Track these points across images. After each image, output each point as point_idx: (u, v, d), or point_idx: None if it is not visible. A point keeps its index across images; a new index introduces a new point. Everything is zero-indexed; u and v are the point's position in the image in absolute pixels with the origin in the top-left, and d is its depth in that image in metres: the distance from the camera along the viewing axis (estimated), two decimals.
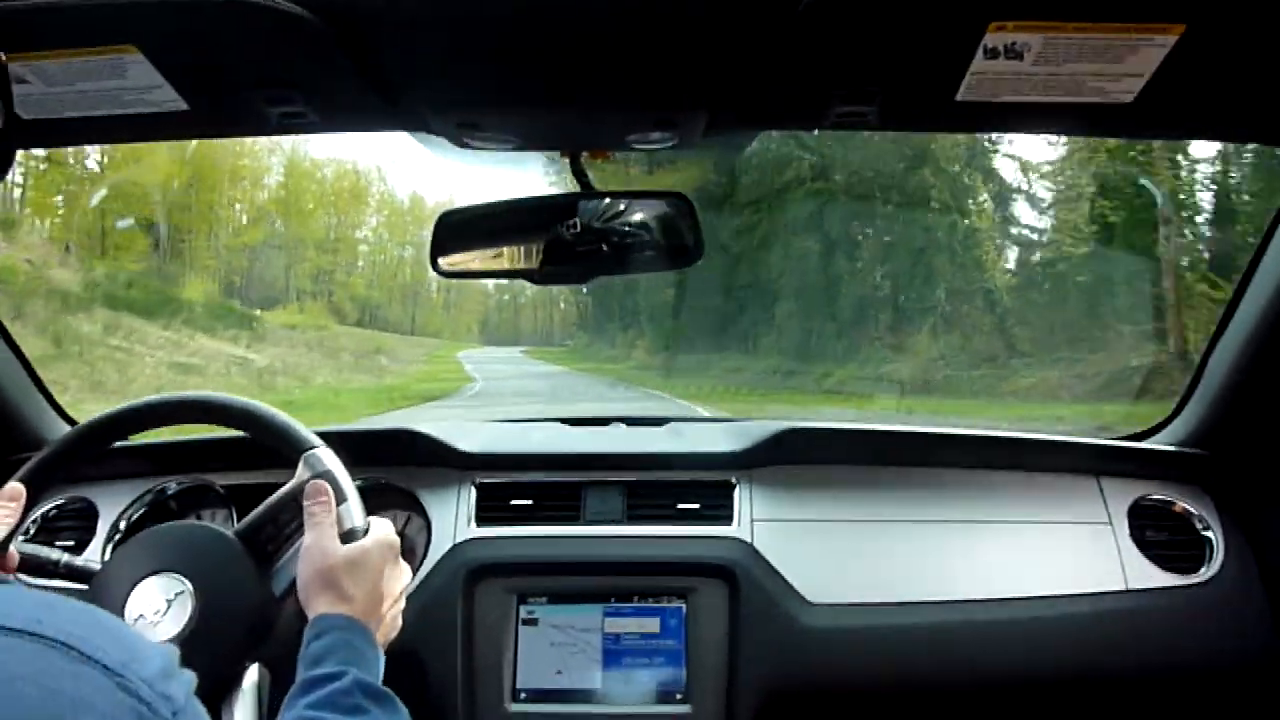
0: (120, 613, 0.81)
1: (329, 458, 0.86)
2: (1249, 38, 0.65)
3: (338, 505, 0.82)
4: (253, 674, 0.82)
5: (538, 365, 21.66)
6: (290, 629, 0.78)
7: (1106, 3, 0.61)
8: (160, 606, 0.81)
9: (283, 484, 0.85)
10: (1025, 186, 12.69)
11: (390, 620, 0.81)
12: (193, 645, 0.78)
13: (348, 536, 0.80)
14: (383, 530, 0.83)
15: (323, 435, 0.91)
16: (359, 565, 0.77)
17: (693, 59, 0.70)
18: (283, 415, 0.90)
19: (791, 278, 14.04)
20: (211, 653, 0.80)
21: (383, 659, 0.74)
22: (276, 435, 0.88)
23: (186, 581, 0.82)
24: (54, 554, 0.92)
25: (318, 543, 0.78)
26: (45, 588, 0.87)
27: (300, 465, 0.86)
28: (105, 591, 0.83)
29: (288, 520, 0.85)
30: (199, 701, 0.46)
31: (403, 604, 0.83)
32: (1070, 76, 0.68)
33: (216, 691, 0.80)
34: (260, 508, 0.87)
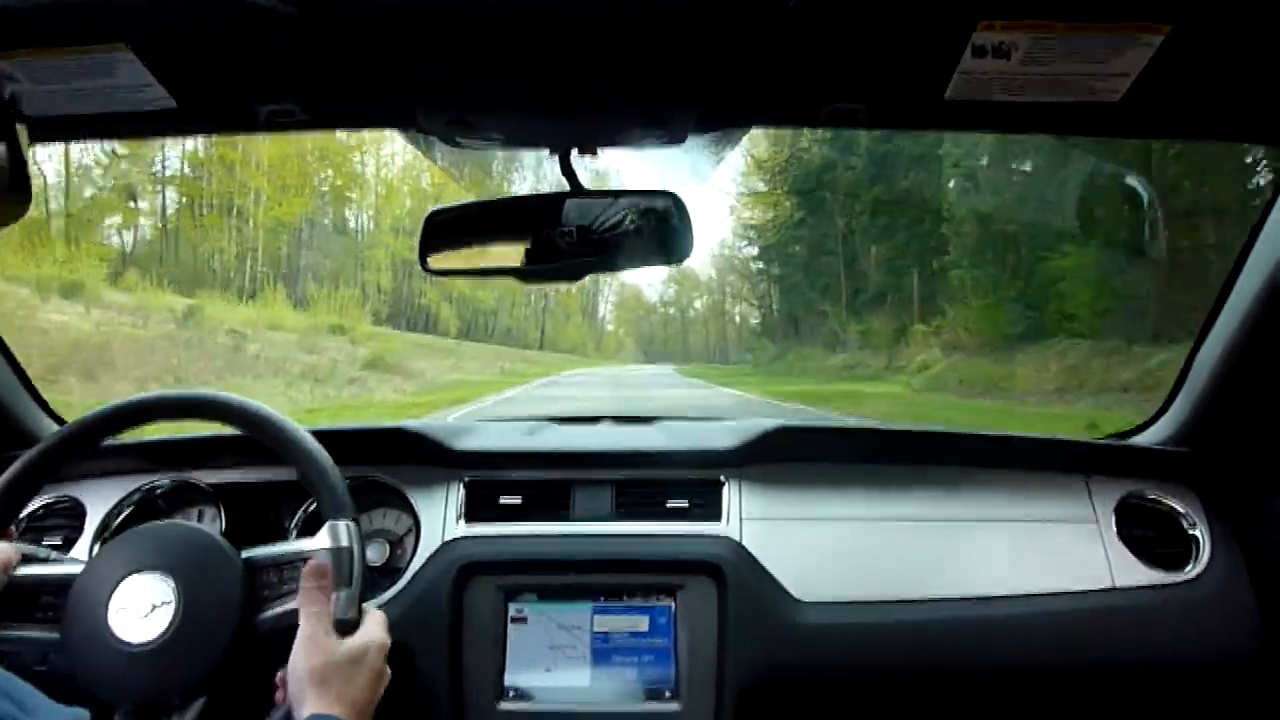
0: (105, 605, 0.80)
1: (354, 534, 0.84)
2: (1235, 38, 0.65)
3: (339, 589, 0.80)
4: (197, 707, 0.79)
5: (675, 390, 16.46)
6: (254, 679, 0.77)
7: (1094, 3, 0.62)
8: (144, 609, 0.80)
9: (268, 481, 0.84)
10: None
11: None
12: (165, 656, 0.78)
13: (341, 626, 0.78)
14: (378, 628, 0.81)
15: (311, 433, 0.90)
16: (356, 666, 0.76)
17: (682, 57, 0.70)
18: (335, 470, 0.88)
19: None
20: (179, 669, 0.78)
21: None
22: (320, 484, 0.86)
23: (175, 590, 0.81)
24: (41, 551, 0.91)
25: (314, 636, 0.76)
26: (35, 578, 0.87)
27: (324, 529, 0.84)
28: (93, 583, 0.82)
29: (292, 576, 0.84)
30: None
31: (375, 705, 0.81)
32: (1058, 76, 0.68)
33: (157, 712, 0.78)
34: (276, 548, 0.86)
